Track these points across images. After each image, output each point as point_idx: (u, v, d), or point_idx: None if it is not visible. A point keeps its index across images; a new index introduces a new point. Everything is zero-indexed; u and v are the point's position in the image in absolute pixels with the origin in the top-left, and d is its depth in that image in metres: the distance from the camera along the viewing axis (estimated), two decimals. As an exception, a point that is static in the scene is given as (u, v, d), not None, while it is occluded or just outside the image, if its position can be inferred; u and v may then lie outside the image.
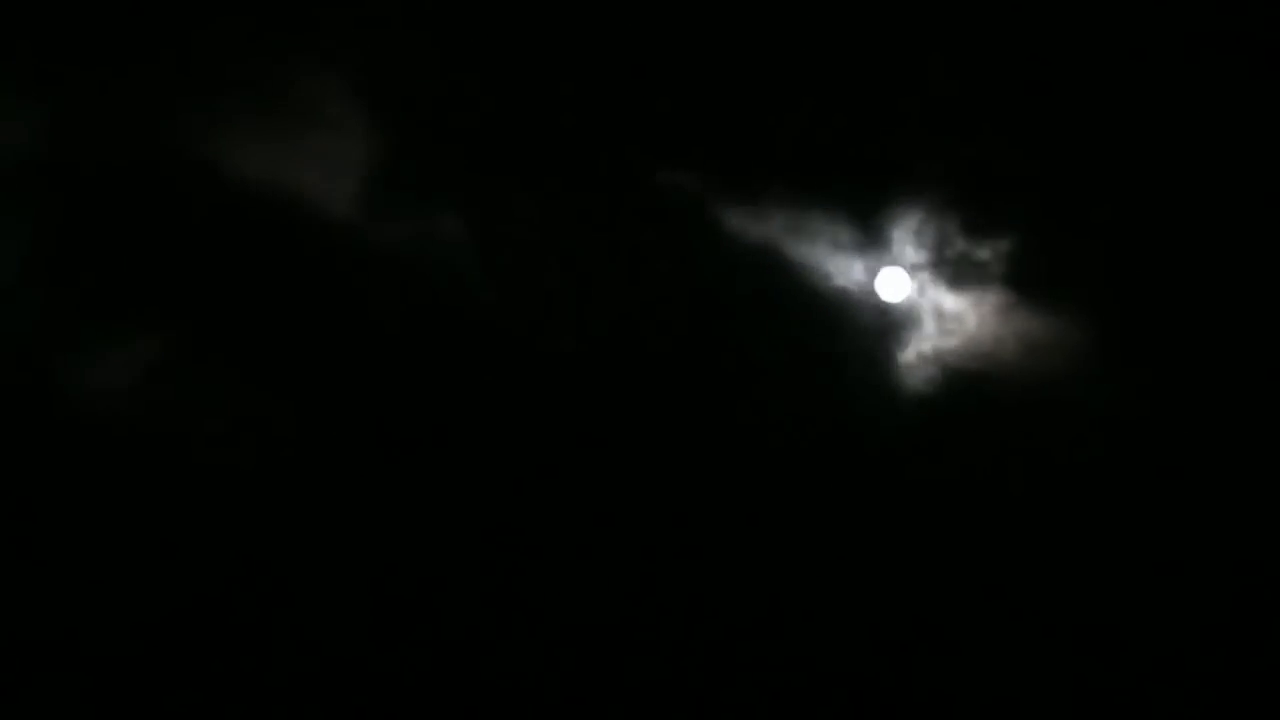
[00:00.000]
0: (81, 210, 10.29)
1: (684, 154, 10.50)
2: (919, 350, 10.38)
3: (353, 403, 10.38)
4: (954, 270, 10.42)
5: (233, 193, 10.36)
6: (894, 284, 10.47)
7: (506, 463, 10.32)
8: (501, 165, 10.52)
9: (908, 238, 10.45)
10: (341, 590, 10.16)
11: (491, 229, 10.47)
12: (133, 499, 10.11)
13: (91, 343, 10.17)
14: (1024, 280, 10.38)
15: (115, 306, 10.26)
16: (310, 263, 10.42)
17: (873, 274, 10.49)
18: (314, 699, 9.95)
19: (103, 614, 9.97)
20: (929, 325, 10.43)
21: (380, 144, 10.52)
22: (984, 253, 10.35)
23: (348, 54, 10.45)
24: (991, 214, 10.37)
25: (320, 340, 10.40)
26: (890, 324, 10.46)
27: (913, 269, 10.50)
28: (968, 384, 10.37)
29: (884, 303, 10.44)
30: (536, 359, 10.37)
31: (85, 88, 10.25)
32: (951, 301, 10.43)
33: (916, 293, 10.41)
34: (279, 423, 10.27)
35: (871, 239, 10.47)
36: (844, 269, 10.46)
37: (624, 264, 10.40)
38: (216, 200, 10.35)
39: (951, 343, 10.39)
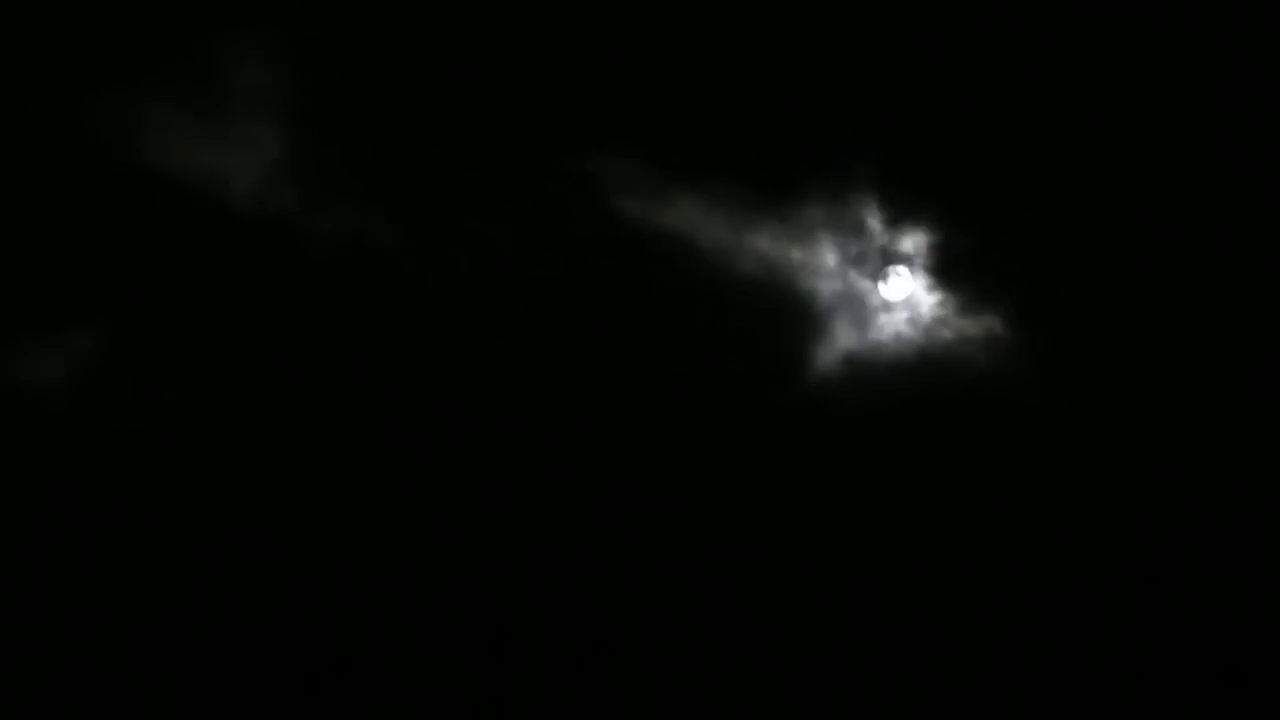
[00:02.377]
0: (9, 202, 10.16)
1: (622, 146, 10.51)
2: (849, 340, 10.47)
3: (288, 393, 10.32)
4: (882, 262, 10.51)
5: (162, 183, 10.27)
6: (827, 276, 10.56)
7: (454, 455, 10.29)
8: (461, 157, 10.50)
9: (840, 230, 10.53)
10: (284, 581, 10.11)
11: (442, 220, 10.45)
12: (63, 492, 10.02)
13: (20, 336, 10.05)
14: (953, 272, 10.49)
15: (45, 299, 10.14)
16: (240, 253, 10.34)
17: (807, 266, 10.56)
18: (256, 694, 9.93)
19: (37, 610, 9.89)
20: (860, 316, 10.52)
21: (315, 135, 10.45)
22: (908, 244, 10.47)
23: (282, 45, 10.38)
24: (920, 205, 10.47)
25: (252, 331, 10.33)
26: (825, 315, 10.54)
27: (844, 261, 10.59)
28: (898, 375, 10.47)
29: (821, 295, 10.52)
30: (494, 358, 10.35)
31: (15, 75, 10.14)
32: (880, 293, 10.52)
33: (845, 284, 10.49)
34: (213, 416, 10.20)
35: (805, 231, 10.54)
36: (783, 261, 10.53)
37: (547, 247, 10.39)
38: (148, 192, 10.26)
39: (882, 335, 10.49)
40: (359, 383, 10.36)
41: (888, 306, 10.52)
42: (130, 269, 10.27)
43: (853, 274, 10.53)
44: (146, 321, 10.28)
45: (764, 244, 10.48)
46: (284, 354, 10.35)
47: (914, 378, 10.42)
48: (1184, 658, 9.97)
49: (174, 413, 10.20)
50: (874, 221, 10.49)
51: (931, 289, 10.47)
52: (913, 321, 10.48)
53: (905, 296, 10.51)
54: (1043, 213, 10.44)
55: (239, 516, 10.13)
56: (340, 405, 10.33)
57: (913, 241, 10.47)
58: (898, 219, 10.47)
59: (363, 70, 10.55)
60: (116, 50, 10.33)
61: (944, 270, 10.45)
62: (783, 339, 10.47)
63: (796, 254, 10.53)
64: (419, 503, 10.26)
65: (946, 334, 10.41)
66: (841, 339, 10.46)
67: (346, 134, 10.51)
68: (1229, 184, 10.38)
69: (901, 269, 10.53)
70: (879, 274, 10.55)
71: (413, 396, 10.38)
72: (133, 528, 10.05)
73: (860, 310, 10.54)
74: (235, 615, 10.02)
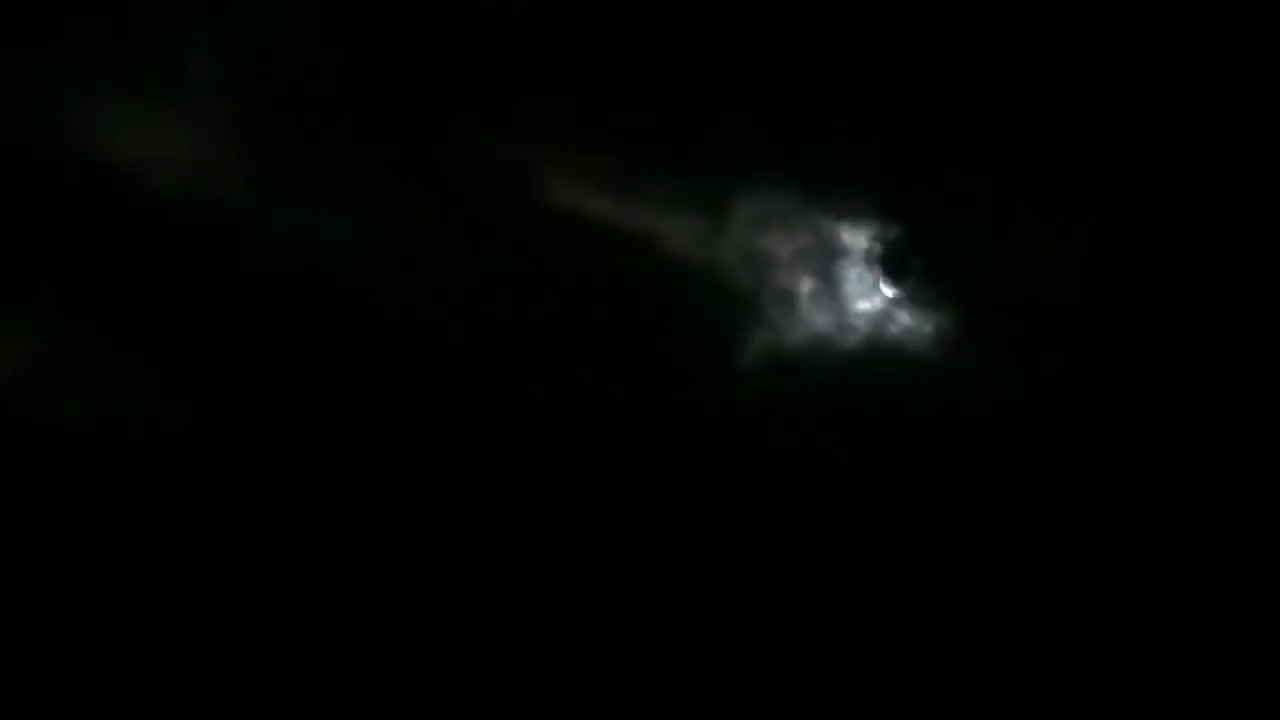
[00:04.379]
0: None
1: (574, 139, 10.52)
2: (800, 335, 10.49)
3: (243, 389, 10.38)
4: (834, 256, 10.53)
5: (112, 174, 10.30)
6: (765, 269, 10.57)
7: (410, 447, 10.35)
8: (415, 149, 10.52)
9: (791, 223, 10.54)
10: (233, 575, 10.19)
11: (398, 212, 10.49)
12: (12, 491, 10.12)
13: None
14: (905, 267, 10.49)
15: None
16: (190, 247, 10.37)
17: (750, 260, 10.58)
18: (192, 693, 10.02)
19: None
20: (812, 311, 10.54)
21: (268, 126, 10.46)
22: (860, 239, 10.46)
23: (234, 34, 10.41)
24: (873, 198, 10.47)
25: (203, 326, 10.37)
26: (775, 310, 10.57)
27: (795, 254, 10.61)
28: (850, 369, 10.50)
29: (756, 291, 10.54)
30: (447, 352, 10.39)
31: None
32: (832, 288, 10.53)
33: (795, 278, 10.50)
34: (168, 413, 10.28)
35: (754, 225, 10.55)
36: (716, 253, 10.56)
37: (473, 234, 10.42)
38: (86, 183, 10.28)
39: (834, 330, 10.52)
40: (315, 378, 10.43)
41: (841, 301, 10.54)
42: (78, 263, 10.32)
43: (803, 268, 10.55)
44: (96, 317, 10.34)
45: (711, 237, 10.52)
46: (236, 349, 10.40)
47: (864, 370, 10.46)
48: (1136, 656, 10.06)
49: (127, 409, 10.28)
50: (826, 215, 10.50)
51: (883, 284, 10.48)
52: (863, 316, 10.50)
53: (857, 291, 10.52)
54: (998, 206, 10.45)
55: (189, 515, 10.20)
56: (296, 401, 10.41)
57: (864, 235, 10.47)
58: (850, 212, 10.47)
59: (317, 60, 10.55)
60: (64, 38, 10.36)
61: (896, 265, 10.45)
62: (730, 334, 10.51)
63: (745, 247, 10.57)
64: (378, 498, 10.35)
65: (896, 330, 10.43)
66: (791, 334, 10.48)
67: (301, 125, 10.52)
68: (1189, 179, 10.39)
69: (853, 264, 10.55)
70: (831, 268, 10.57)
71: (368, 389, 10.45)
72: (85, 526, 10.14)
73: (811, 305, 10.56)
74: (190, 615, 10.12)
